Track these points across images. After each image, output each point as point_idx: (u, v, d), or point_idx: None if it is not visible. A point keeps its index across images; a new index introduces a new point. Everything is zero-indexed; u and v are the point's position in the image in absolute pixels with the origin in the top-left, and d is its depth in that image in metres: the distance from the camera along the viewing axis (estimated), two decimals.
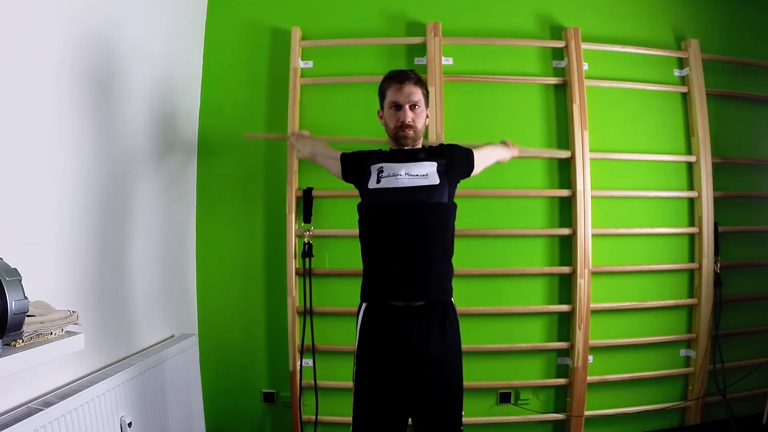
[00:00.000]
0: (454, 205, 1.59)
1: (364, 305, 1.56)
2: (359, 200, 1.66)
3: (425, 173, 1.53)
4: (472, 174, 1.73)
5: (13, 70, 1.29)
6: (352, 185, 1.72)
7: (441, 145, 1.71)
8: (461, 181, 1.68)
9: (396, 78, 1.57)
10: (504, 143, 1.99)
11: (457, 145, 1.72)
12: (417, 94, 1.56)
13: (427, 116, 1.63)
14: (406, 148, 1.59)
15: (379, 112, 1.66)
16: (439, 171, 1.54)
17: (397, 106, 1.56)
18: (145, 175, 1.99)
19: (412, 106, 1.55)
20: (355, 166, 1.66)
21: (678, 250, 2.44)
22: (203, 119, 2.43)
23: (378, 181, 1.54)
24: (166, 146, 2.17)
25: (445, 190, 1.53)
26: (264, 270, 2.39)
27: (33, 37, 1.36)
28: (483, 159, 1.77)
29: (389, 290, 1.50)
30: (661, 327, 2.41)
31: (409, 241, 1.48)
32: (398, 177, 1.52)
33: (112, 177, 1.76)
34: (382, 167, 1.55)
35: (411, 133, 1.56)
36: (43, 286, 1.36)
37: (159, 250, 2.10)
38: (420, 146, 1.64)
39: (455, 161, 1.62)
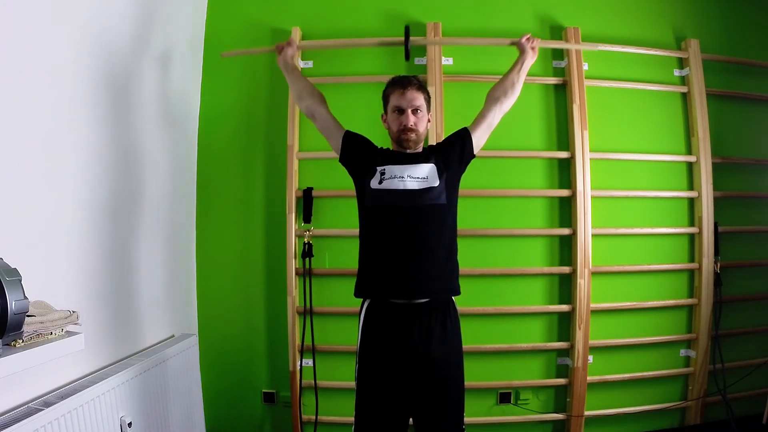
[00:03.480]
0: (455, 204, 1.61)
1: (366, 303, 1.57)
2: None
3: (425, 176, 1.56)
4: (482, 141, 1.70)
5: (13, 70, 1.29)
6: (351, 185, 1.70)
7: (438, 143, 1.72)
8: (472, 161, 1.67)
9: (399, 84, 1.61)
10: (520, 45, 1.83)
11: (450, 136, 1.70)
12: (419, 99, 1.60)
13: (429, 120, 1.67)
14: (408, 151, 1.62)
15: (382, 116, 1.69)
16: (438, 171, 1.57)
17: (400, 111, 1.59)
18: (145, 175, 1.99)
19: (414, 111, 1.59)
20: (358, 153, 1.66)
21: (678, 250, 2.44)
22: (203, 119, 2.43)
23: (380, 182, 1.56)
24: (166, 146, 2.17)
25: (444, 190, 1.55)
26: (264, 270, 2.39)
27: (33, 38, 1.36)
28: (484, 125, 1.71)
29: (391, 288, 1.52)
30: (661, 327, 2.41)
31: (411, 243, 1.51)
32: (401, 179, 1.55)
33: (112, 177, 1.76)
34: (384, 169, 1.58)
35: (413, 136, 1.59)
36: (43, 286, 1.35)
37: (159, 250, 2.10)
38: (421, 149, 1.66)
39: (447, 155, 1.63)
